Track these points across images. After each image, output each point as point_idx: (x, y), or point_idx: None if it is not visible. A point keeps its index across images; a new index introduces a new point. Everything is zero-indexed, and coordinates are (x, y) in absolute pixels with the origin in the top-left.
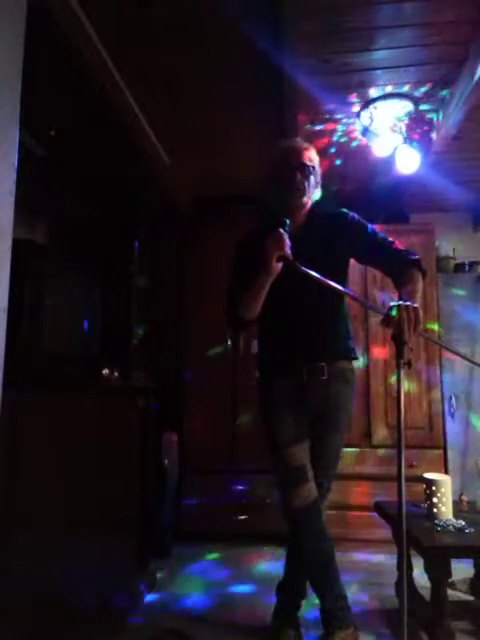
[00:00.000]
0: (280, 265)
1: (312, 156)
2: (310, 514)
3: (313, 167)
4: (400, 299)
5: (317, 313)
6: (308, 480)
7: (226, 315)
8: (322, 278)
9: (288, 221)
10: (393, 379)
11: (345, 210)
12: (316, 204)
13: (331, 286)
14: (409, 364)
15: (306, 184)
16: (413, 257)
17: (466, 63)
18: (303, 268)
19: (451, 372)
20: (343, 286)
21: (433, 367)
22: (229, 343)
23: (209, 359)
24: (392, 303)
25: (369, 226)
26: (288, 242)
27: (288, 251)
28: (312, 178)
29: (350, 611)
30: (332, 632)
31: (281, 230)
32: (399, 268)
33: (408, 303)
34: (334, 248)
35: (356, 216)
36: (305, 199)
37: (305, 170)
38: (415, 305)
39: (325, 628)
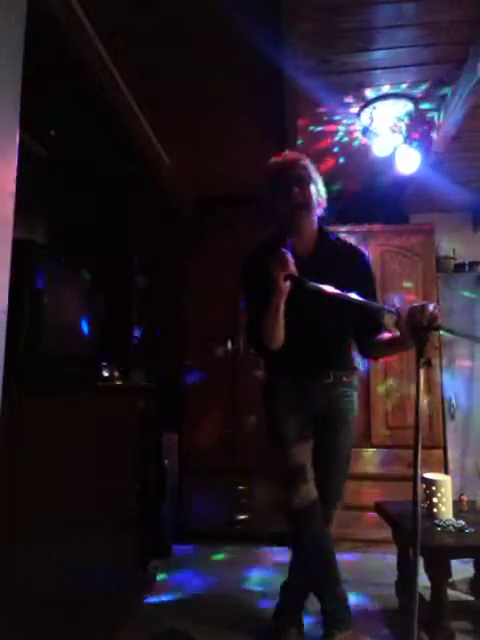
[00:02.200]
0: (288, 284)
1: (307, 164)
2: (309, 514)
3: (310, 176)
4: (379, 348)
5: (323, 331)
6: (307, 480)
7: (253, 347)
8: (334, 290)
9: (290, 240)
10: (392, 380)
11: (363, 250)
12: (325, 224)
13: (345, 297)
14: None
15: (306, 195)
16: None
17: (466, 63)
18: (312, 283)
19: (451, 372)
20: (348, 316)
21: (433, 367)
22: (229, 343)
23: (209, 359)
24: (415, 304)
25: (373, 280)
26: (291, 259)
27: (293, 268)
28: (312, 188)
29: (350, 612)
30: (332, 633)
31: (283, 249)
32: (375, 332)
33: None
34: (342, 279)
35: (370, 263)
36: (308, 212)
37: (302, 182)
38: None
39: (325, 629)
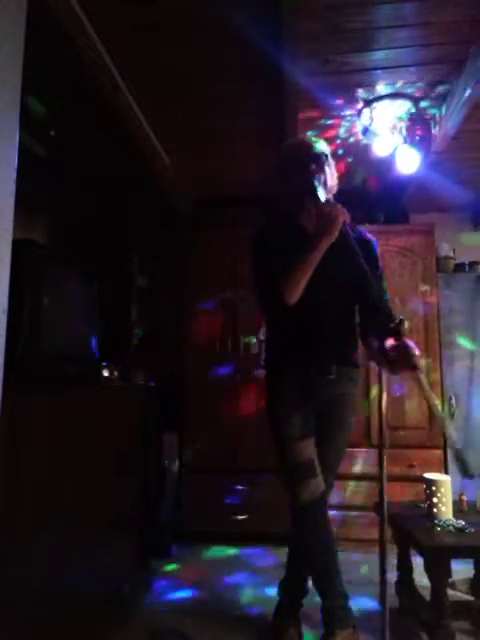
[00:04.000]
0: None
1: (322, 146)
2: (317, 509)
3: (326, 156)
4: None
5: (334, 320)
6: (316, 474)
7: (266, 302)
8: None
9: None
10: (392, 380)
11: (373, 238)
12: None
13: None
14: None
15: (322, 174)
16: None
17: (466, 63)
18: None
19: (451, 372)
20: (354, 306)
21: (433, 367)
22: (229, 343)
23: (209, 359)
24: (409, 344)
25: (380, 268)
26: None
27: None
28: (327, 168)
29: (351, 611)
30: (333, 631)
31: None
32: (382, 325)
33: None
34: (351, 261)
35: (378, 253)
36: (323, 190)
37: (319, 160)
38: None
39: (326, 627)
